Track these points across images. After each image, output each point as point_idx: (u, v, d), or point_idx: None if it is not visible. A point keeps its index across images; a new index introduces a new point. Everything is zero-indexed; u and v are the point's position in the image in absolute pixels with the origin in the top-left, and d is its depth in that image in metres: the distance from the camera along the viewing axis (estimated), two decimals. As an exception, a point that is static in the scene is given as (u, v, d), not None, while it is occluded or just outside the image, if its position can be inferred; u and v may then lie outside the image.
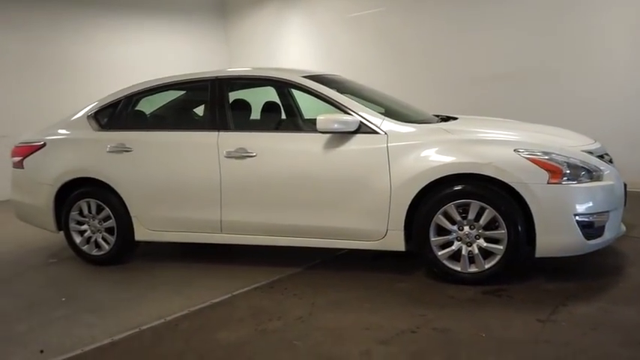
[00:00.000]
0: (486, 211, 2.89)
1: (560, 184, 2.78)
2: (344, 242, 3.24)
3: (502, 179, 2.82)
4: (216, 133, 3.42)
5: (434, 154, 2.96)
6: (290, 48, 8.22)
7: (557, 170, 2.79)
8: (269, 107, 3.89)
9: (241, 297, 3.05)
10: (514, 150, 2.87)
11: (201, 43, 8.64)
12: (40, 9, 6.97)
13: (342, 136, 3.13)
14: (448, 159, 2.92)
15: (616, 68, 5.27)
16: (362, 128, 3.12)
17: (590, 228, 2.82)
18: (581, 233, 2.79)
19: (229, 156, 3.33)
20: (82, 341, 2.59)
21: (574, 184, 2.80)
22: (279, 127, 3.75)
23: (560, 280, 2.98)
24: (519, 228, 2.84)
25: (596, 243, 2.86)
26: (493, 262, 2.93)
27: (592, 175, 2.86)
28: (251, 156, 3.29)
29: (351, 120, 3.08)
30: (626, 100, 5.21)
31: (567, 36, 5.50)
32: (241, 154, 3.30)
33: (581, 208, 2.80)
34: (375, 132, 3.10)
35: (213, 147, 3.38)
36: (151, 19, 8.13)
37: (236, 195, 3.36)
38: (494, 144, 2.95)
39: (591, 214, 2.81)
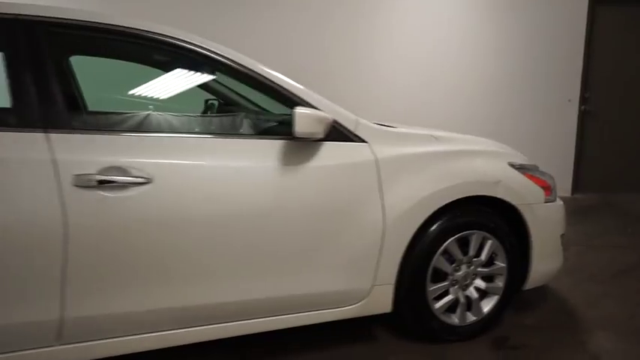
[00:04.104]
0: (489, 243, 2.25)
1: (550, 201, 2.41)
2: (304, 317, 1.98)
3: (510, 201, 2.24)
4: (43, 134, 1.59)
5: (438, 172, 2.11)
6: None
7: (547, 186, 2.40)
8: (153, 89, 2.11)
9: None
10: (508, 164, 2.34)
11: None
12: None
13: (301, 145, 1.90)
14: (457, 178, 2.13)
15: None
16: (332, 133, 1.97)
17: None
18: (562, 255, 2.50)
19: (86, 184, 1.58)
20: None
21: (557, 201, 2.47)
22: (187, 125, 2.06)
23: (522, 309, 2.63)
24: (517, 258, 2.33)
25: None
26: (491, 305, 2.31)
27: (550, 188, 2.60)
28: (139, 183, 1.64)
29: (327, 119, 1.89)
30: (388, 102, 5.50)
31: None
32: (117, 182, 1.62)
33: (563, 226, 2.50)
34: (348, 139, 2.00)
35: (40, 165, 1.55)
36: None
37: (102, 263, 1.63)
38: (490, 157, 2.32)
39: (564, 233, 2.55)
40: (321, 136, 1.86)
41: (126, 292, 1.66)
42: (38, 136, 1.57)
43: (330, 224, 1.92)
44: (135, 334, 1.73)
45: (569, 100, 5.54)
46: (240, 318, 1.87)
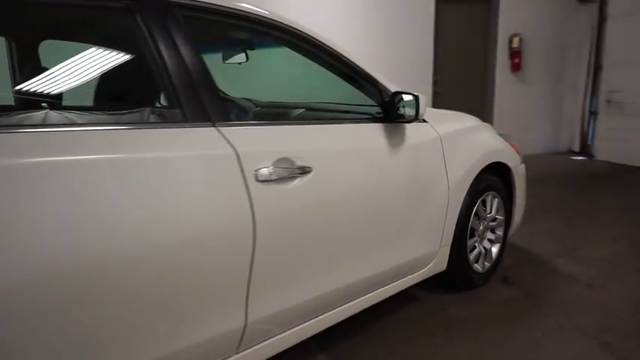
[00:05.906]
0: (496, 201, 2.72)
1: (522, 164, 2.99)
2: (397, 285, 2.15)
3: (509, 164, 2.73)
4: (214, 128, 1.43)
5: (473, 144, 2.47)
6: None
7: (519, 151, 2.98)
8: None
9: None
10: (498, 134, 2.83)
11: None
12: None
13: (394, 126, 2.06)
14: (484, 148, 2.52)
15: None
16: (406, 114, 2.16)
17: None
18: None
19: (266, 179, 1.49)
20: None
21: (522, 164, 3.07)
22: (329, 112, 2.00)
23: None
24: (509, 211, 2.86)
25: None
26: (496, 252, 2.80)
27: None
28: (306, 172, 1.61)
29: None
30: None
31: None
32: (288, 173, 1.55)
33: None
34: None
35: (225, 161, 1.41)
36: None
37: (282, 260, 1.56)
38: (489, 129, 2.77)
39: (524, 189, 3.17)
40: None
41: (303, 283, 1.63)
42: (211, 131, 1.43)
43: (421, 195, 2.14)
44: (301, 323, 1.71)
45: (428, 83, 6.50)
46: (361, 294, 1.97)
